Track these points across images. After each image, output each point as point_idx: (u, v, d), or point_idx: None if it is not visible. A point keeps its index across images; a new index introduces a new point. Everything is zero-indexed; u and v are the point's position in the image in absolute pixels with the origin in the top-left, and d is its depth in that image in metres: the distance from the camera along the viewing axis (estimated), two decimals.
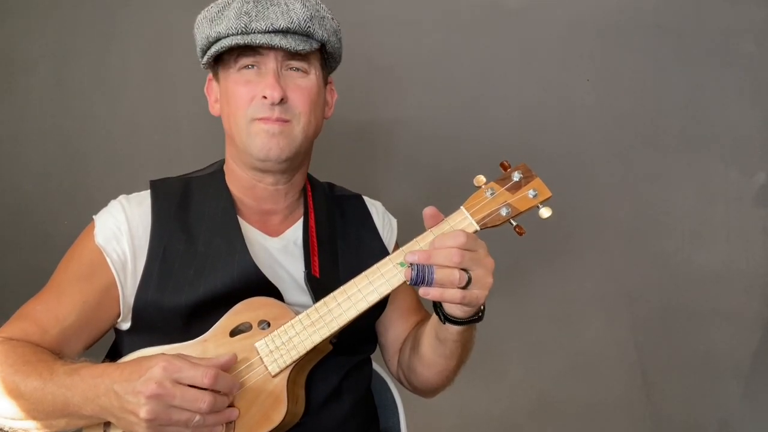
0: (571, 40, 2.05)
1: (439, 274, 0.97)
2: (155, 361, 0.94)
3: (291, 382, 1.07)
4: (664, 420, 2.12)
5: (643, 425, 2.13)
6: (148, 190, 1.21)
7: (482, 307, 1.06)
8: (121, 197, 1.20)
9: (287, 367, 1.06)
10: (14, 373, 1.01)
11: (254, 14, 1.11)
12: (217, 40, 1.13)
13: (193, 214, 1.19)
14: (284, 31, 1.12)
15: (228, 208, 1.20)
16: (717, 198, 2.06)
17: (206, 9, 1.17)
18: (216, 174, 1.26)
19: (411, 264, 0.98)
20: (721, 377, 2.09)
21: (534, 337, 2.13)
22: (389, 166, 2.09)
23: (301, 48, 1.13)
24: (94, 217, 1.18)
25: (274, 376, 1.06)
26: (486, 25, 2.05)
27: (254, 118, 1.14)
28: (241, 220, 1.21)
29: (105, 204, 1.19)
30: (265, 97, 1.12)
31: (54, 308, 1.11)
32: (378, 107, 2.06)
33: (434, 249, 0.98)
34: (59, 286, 1.13)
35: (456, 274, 0.96)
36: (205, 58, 1.17)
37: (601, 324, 2.11)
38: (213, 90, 1.24)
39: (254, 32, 1.11)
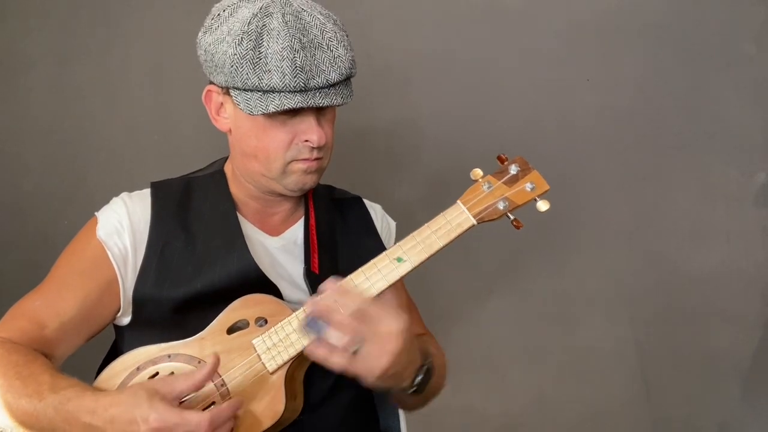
0: (571, 40, 2.04)
1: (331, 332, 0.97)
2: (143, 417, 0.93)
3: (289, 378, 1.08)
4: (664, 420, 2.11)
5: (643, 425, 2.12)
6: (149, 189, 1.21)
7: (416, 383, 1.06)
8: (123, 194, 1.20)
9: (285, 363, 1.06)
10: (7, 390, 1.01)
11: (308, 68, 1.07)
12: (270, 91, 1.08)
13: (193, 213, 1.19)
14: (335, 84, 1.11)
15: (228, 208, 1.21)
16: (717, 198, 2.05)
17: (235, 41, 1.07)
18: (216, 174, 1.26)
19: (309, 314, 0.99)
20: (721, 377, 2.09)
21: (534, 337, 2.13)
22: (389, 167, 2.09)
23: (349, 99, 1.13)
24: (96, 213, 1.18)
25: (271, 373, 1.07)
26: (486, 25, 2.05)
27: (294, 160, 1.14)
28: (241, 218, 1.21)
29: (104, 204, 1.20)
30: (306, 141, 1.12)
31: (54, 302, 1.11)
32: (378, 108, 2.06)
33: (332, 308, 0.98)
34: (60, 281, 1.14)
35: (345, 340, 0.96)
36: (258, 110, 1.08)
37: (601, 324, 2.11)
38: (214, 101, 1.18)
39: (313, 89, 1.08)
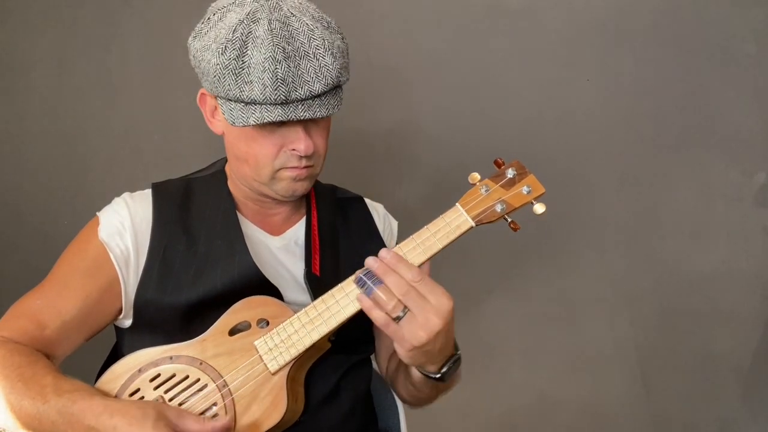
0: (571, 40, 2.04)
1: (380, 292, 0.97)
2: None
3: (290, 379, 1.08)
4: (664, 420, 2.12)
5: (643, 425, 2.13)
6: (150, 190, 1.21)
7: (442, 371, 1.06)
8: (125, 195, 1.20)
9: (286, 364, 1.07)
10: (10, 391, 1.01)
11: (290, 80, 1.04)
12: (251, 103, 1.06)
13: (194, 215, 1.19)
14: (320, 95, 1.09)
15: (229, 210, 1.21)
16: (717, 198, 2.06)
17: (218, 50, 1.06)
18: (217, 175, 1.26)
19: (365, 268, 0.99)
20: (721, 377, 2.09)
21: (534, 337, 2.13)
22: (389, 167, 2.09)
23: (335, 110, 1.11)
24: (98, 213, 1.18)
25: (273, 374, 1.07)
26: (486, 25, 2.05)
27: (282, 168, 1.14)
28: (242, 218, 1.22)
29: (105, 204, 1.20)
30: (294, 149, 1.11)
31: (55, 302, 1.11)
32: (378, 108, 2.06)
33: (390, 269, 0.98)
34: (62, 280, 1.13)
35: (393, 303, 0.96)
36: (240, 122, 1.07)
37: (601, 324, 2.11)
38: (208, 104, 1.18)
39: (294, 101, 1.06)
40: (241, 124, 1.07)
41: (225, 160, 1.28)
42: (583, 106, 2.06)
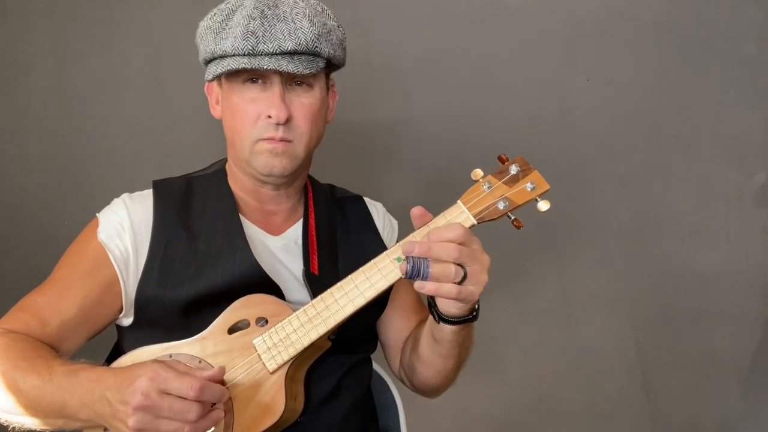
0: (571, 40, 2.04)
1: (435, 269, 0.96)
2: (143, 371, 0.93)
3: (289, 378, 1.08)
4: (664, 420, 2.11)
5: (643, 425, 2.12)
6: (151, 189, 1.22)
7: (476, 306, 1.06)
8: (124, 195, 1.21)
9: (285, 363, 1.06)
10: (13, 369, 1.02)
11: (261, 34, 1.09)
12: (222, 56, 1.12)
13: (195, 213, 1.20)
14: (291, 53, 1.11)
15: (230, 208, 1.21)
16: (717, 198, 2.05)
17: (210, 16, 1.16)
18: (218, 173, 1.26)
19: (407, 257, 0.98)
20: (721, 377, 2.09)
21: (534, 337, 2.13)
22: (390, 166, 2.09)
23: (308, 71, 1.12)
24: (97, 214, 1.19)
25: (272, 373, 1.07)
26: (486, 25, 2.05)
27: (259, 139, 1.14)
28: (242, 218, 1.22)
29: (105, 204, 1.21)
30: (270, 117, 1.12)
31: (55, 301, 1.11)
32: (378, 107, 2.06)
33: (432, 242, 0.98)
34: (62, 280, 1.14)
35: (452, 269, 0.96)
36: (210, 75, 1.15)
37: (601, 324, 2.11)
38: (214, 91, 1.23)
39: (261, 54, 1.09)
40: (210, 77, 1.14)
41: (225, 160, 1.29)
42: (583, 106, 2.06)
